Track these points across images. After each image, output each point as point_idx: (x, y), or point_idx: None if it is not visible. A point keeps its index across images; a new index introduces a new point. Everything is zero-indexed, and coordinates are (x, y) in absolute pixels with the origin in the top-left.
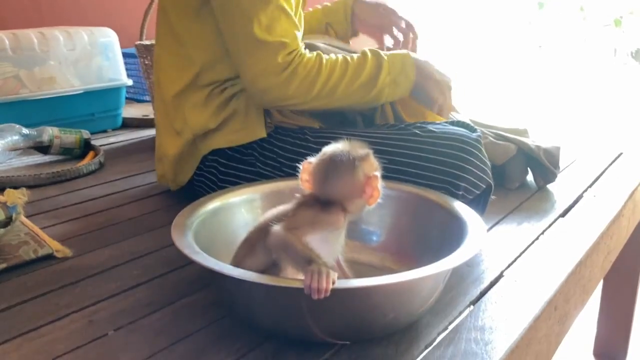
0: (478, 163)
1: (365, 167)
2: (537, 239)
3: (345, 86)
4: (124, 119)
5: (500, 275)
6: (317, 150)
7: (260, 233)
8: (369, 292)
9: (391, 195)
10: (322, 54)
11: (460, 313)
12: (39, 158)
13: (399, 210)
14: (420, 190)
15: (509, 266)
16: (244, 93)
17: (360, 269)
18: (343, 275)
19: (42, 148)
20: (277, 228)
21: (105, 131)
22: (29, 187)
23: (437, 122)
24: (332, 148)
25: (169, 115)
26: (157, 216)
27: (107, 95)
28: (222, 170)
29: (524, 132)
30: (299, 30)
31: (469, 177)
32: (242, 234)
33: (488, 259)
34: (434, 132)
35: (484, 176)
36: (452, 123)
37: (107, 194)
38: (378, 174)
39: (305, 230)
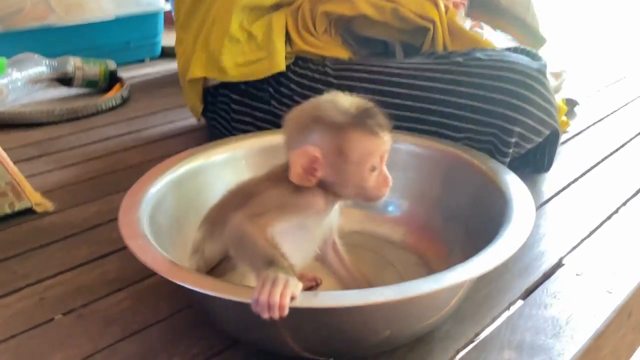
0: (540, 101)
1: (321, 136)
2: (608, 218)
3: None
4: (164, 48)
5: (558, 265)
6: (338, 88)
7: (221, 211)
8: (347, 311)
9: (418, 153)
10: None
11: (494, 319)
12: (64, 91)
13: (427, 174)
14: (456, 148)
15: (567, 254)
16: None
17: (375, 245)
18: (337, 269)
19: (66, 80)
20: (236, 215)
21: (142, 61)
22: (42, 124)
23: (491, 48)
24: (323, 97)
25: None
26: None
27: (143, 22)
28: (234, 108)
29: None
30: None
31: (526, 119)
32: None
33: (541, 242)
34: (481, 60)
35: (547, 119)
36: (511, 49)
37: (120, 134)
38: (319, 153)
39: (271, 217)
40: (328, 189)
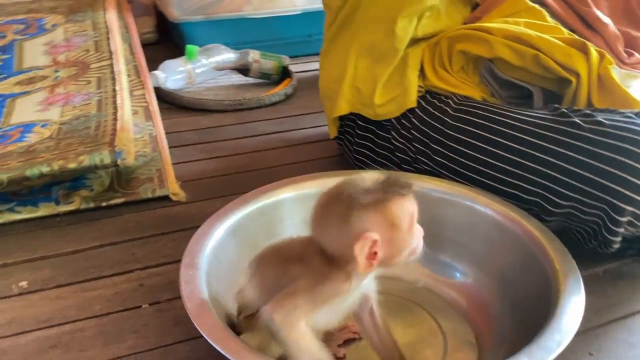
0: None
1: (369, 219)
2: None
3: None
4: None
5: None
6: (452, 128)
7: (261, 263)
8: None
9: (502, 225)
10: None
11: None
12: (242, 79)
13: (502, 250)
14: (540, 232)
15: None
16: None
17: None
18: (371, 334)
19: (244, 70)
20: (269, 310)
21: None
22: (212, 111)
23: (628, 110)
24: (343, 186)
25: None
26: (296, 169)
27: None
28: (358, 134)
29: None
30: None
31: None
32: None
33: None
34: (602, 123)
35: None
36: None
37: (270, 132)
38: (377, 235)
39: (303, 311)
40: (351, 269)
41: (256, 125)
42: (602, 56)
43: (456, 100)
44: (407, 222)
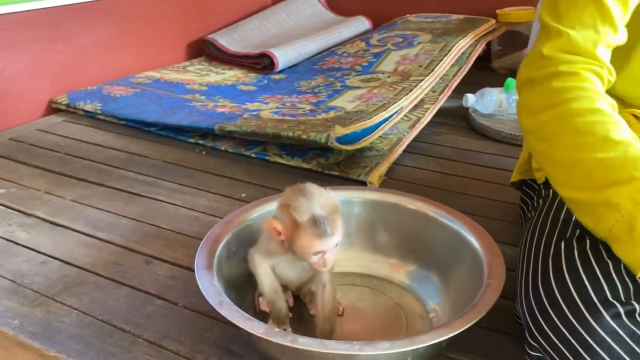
0: None
1: (284, 219)
2: None
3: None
4: None
5: None
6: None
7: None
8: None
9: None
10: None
11: None
12: None
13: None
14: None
15: None
16: None
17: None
18: (319, 305)
19: None
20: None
21: None
22: (494, 140)
23: None
24: (305, 189)
25: None
26: (494, 209)
27: None
28: (524, 190)
29: None
30: (613, 33)
31: None
32: None
33: None
34: None
35: None
36: None
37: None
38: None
39: (263, 256)
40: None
41: (509, 161)
42: None
43: None
44: (302, 247)
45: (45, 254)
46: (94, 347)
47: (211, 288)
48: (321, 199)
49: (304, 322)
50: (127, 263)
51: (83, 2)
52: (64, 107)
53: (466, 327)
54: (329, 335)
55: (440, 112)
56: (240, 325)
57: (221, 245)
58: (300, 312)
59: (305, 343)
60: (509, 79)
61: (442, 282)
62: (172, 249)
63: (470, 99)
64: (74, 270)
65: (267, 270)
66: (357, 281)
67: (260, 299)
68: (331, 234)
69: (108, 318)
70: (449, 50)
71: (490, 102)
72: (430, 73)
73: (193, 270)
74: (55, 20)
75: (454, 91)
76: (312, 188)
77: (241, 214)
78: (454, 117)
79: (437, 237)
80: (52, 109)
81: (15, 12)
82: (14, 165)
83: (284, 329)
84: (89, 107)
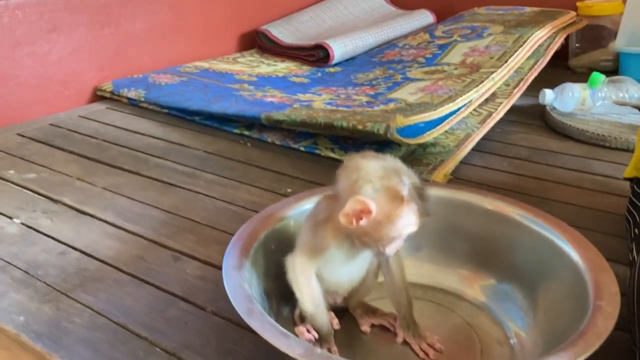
0: None
1: (380, 197)
2: None
3: None
4: None
5: None
6: None
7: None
8: None
9: None
10: None
11: None
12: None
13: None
14: None
15: None
16: None
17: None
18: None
19: None
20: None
21: None
22: (578, 140)
23: None
24: (390, 163)
25: None
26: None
27: None
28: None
29: None
30: None
31: None
32: None
33: None
34: None
35: None
36: None
37: (599, 174)
38: (374, 209)
39: (306, 258)
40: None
41: (597, 164)
42: None
43: None
44: (401, 228)
45: (65, 244)
46: (102, 354)
47: (240, 292)
48: (404, 169)
49: (353, 342)
50: (152, 259)
51: None
52: (108, 95)
53: None
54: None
55: (514, 110)
56: (272, 342)
57: (257, 242)
58: (349, 329)
59: None
60: (595, 73)
61: (529, 301)
62: (204, 246)
63: (548, 95)
64: (94, 263)
65: (310, 277)
66: (418, 294)
67: (299, 327)
68: (427, 213)
69: (124, 321)
70: (525, 42)
71: (572, 100)
72: (503, 65)
73: None
74: (103, 4)
75: (528, 88)
76: (383, 158)
77: (283, 208)
78: (530, 116)
79: (523, 246)
80: (97, 97)
81: None
82: (49, 150)
83: (328, 349)
84: (132, 94)
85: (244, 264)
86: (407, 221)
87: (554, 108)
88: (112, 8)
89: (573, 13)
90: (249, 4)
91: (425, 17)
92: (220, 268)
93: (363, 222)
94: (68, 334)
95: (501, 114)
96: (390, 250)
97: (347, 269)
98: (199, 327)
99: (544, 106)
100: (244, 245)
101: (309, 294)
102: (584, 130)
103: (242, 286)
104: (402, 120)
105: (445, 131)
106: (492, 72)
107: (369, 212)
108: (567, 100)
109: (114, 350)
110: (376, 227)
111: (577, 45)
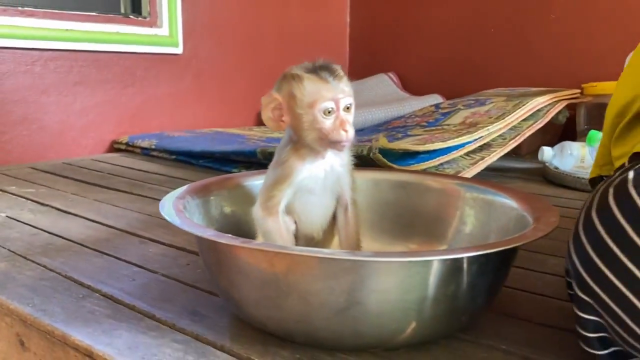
0: None
1: (281, 85)
2: None
3: None
4: None
5: None
6: None
7: None
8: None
9: None
10: None
11: None
12: None
13: None
14: None
15: None
16: None
17: None
18: (340, 231)
19: None
20: (256, 208)
21: None
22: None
23: None
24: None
25: None
26: None
27: None
28: None
29: None
30: None
31: None
32: None
33: None
34: None
35: None
36: None
37: None
38: (280, 99)
39: (274, 196)
40: (299, 146)
41: None
42: None
43: None
44: (309, 100)
45: (40, 229)
46: (43, 294)
47: (176, 203)
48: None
49: None
50: (120, 241)
51: (160, 54)
52: (124, 147)
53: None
54: None
55: (513, 169)
56: (193, 232)
57: (212, 197)
58: None
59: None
60: (592, 131)
61: None
62: (174, 235)
63: (547, 153)
64: (62, 241)
65: (276, 219)
66: None
67: None
68: (339, 77)
69: (72, 275)
70: (524, 105)
71: (571, 158)
72: (500, 121)
73: (189, 251)
74: (129, 66)
75: (530, 153)
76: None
77: (244, 176)
78: (530, 172)
79: (468, 213)
80: (113, 149)
81: (93, 52)
82: (55, 177)
83: None
84: (145, 143)
85: (187, 197)
86: (313, 88)
87: (556, 167)
88: (137, 70)
89: (577, 90)
90: (271, 79)
91: (434, 99)
92: (183, 249)
93: (285, 118)
94: (15, 281)
95: (494, 159)
96: (334, 132)
97: (318, 199)
98: (145, 283)
99: (543, 163)
100: (193, 189)
101: (278, 235)
102: (580, 177)
103: (178, 207)
104: (384, 142)
105: (435, 167)
106: (488, 126)
107: (278, 102)
108: (567, 158)
109: (54, 292)
110: (296, 112)
111: (585, 127)
